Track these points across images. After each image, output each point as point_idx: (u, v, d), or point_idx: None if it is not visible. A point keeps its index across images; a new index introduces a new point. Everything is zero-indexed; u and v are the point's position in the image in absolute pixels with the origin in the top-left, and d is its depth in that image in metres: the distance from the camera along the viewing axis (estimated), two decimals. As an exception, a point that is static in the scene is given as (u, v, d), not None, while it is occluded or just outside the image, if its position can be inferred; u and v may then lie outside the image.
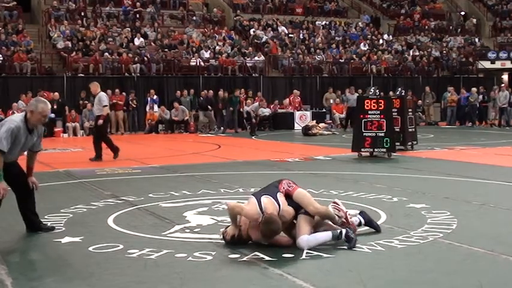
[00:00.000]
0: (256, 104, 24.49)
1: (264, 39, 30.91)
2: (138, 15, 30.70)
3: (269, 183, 6.16)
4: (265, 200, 5.74)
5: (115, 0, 31.13)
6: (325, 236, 5.73)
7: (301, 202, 5.86)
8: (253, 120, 23.22)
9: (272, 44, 30.33)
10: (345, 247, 5.63)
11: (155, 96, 24.58)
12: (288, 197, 5.86)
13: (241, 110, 24.48)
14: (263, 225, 5.55)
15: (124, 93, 24.04)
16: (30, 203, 6.37)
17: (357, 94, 22.85)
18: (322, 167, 12.24)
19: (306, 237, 5.65)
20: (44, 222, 6.58)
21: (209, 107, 24.41)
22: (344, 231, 5.68)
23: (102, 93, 14.10)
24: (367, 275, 4.85)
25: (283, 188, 5.91)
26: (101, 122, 13.63)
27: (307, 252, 5.48)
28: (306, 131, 21.91)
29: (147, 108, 24.35)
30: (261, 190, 6.01)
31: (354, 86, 26.51)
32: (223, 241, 5.86)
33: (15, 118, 6.06)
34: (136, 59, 26.14)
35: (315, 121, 23.16)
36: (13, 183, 6.23)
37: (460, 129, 24.19)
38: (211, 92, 24.83)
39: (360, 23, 35.27)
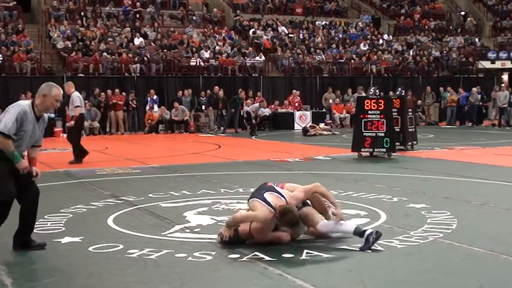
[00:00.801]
0: (257, 104, 24.48)
1: (263, 39, 30.93)
2: (138, 15, 30.69)
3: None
4: (269, 196, 5.77)
5: (115, 0, 31.13)
6: (346, 227, 5.80)
7: (294, 189, 5.94)
8: (253, 121, 23.21)
9: (264, 41, 30.36)
10: (345, 247, 5.63)
11: (155, 96, 24.59)
12: None
13: (241, 110, 24.50)
14: (281, 217, 5.59)
15: (124, 93, 24.05)
16: (32, 215, 5.80)
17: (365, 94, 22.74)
18: (322, 167, 12.24)
19: (325, 222, 5.78)
20: (34, 240, 5.89)
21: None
22: (368, 231, 5.59)
23: (75, 94, 13.74)
24: (367, 275, 4.85)
25: (272, 184, 6.01)
26: (72, 123, 13.48)
27: (307, 252, 5.48)
28: (305, 132, 21.90)
29: (147, 108, 24.36)
30: (255, 192, 5.98)
31: (362, 86, 26.42)
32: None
33: (22, 103, 5.63)
34: (136, 59, 26.14)
35: (317, 125, 23.03)
36: (16, 183, 5.62)
37: (460, 129, 24.18)
38: (216, 88, 24.68)
39: (359, 23, 35.27)
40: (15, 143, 5.47)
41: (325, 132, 22.00)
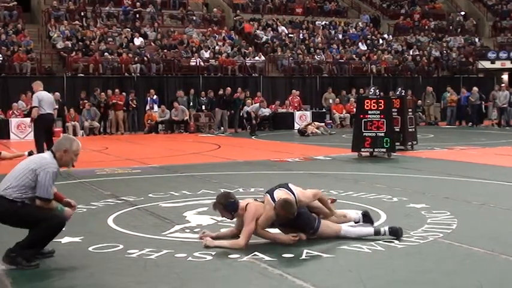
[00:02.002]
0: (257, 104, 24.43)
1: (263, 39, 30.95)
2: (138, 15, 30.70)
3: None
4: (279, 192, 5.94)
5: (115, 0, 31.14)
6: (367, 230, 6.02)
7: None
8: (253, 121, 23.15)
9: (246, 26, 30.34)
10: (345, 247, 5.63)
11: (155, 96, 24.58)
12: None
13: (241, 111, 24.54)
14: (280, 209, 5.71)
15: (124, 93, 24.05)
16: None
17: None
18: (322, 167, 12.23)
19: (346, 229, 5.99)
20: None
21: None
22: (385, 228, 5.93)
23: (38, 93, 13.13)
24: (367, 275, 4.85)
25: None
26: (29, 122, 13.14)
27: (307, 253, 5.48)
28: (302, 133, 21.86)
29: (147, 108, 24.36)
30: (272, 188, 6.14)
31: (375, 86, 26.34)
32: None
33: (49, 160, 5.34)
34: (136, 59, 26.14)
35: (313, 122, 23.09)
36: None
37: (460, 129, 24.18)
38: (228, 89, 24.43)
39: (359, 23, 35.28)
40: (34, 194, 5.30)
41: (318, 131, 21.83)
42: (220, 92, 24.42)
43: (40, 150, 12.73)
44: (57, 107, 14.32)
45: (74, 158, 5.54)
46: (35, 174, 5.22)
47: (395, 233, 5.88)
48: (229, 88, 24.35)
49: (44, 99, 13.03)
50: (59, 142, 5.52)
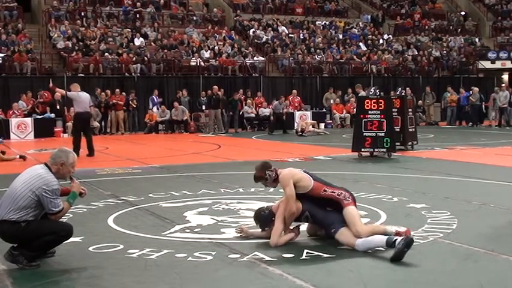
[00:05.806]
0: (276, 102, 24.50)
1: (264, 39, 30.95)
2: (138, 15, 30.71)
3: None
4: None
5: (115, 0, 31.15)
6: (379, 238, 5.50)
7: (348, 220, 5.69)
8: (272, 118, 23.31)
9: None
10: (345, 246, 5.62)
11: (155, 98, 24.59)
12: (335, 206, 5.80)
13: (241, 111, 24.59)
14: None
15: (124, 93, 24.05)
16: None
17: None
18: (322, 167, 12.22)
19: (361, 241, 5.50)
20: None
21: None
22: (399, 239, 5.32)
23: (75, 93, 14.39)
24: (367, 275, 4.85)
25: (339, 196, 5.79)
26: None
27: (307, 252, 5.49)
28: (299, 133, 21.91)
29: (150, 106, 24.37)
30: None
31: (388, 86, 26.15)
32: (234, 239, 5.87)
33: (47, 177, 5.25)
34: (136, 59, 26.14)
35: (312, 121, 23.20)
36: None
37: (460, 129, 24.18)
38: (215, 87, 24.41)
39: (360, 23, 35.29)
40: (38, 210, 5.26)
41: (312, 131, 21.86)
42: (209, 92, 24.48)
43: (76, 148, 13.80)
44: (92, 104, 15.52)
45: (72, 170, 5.49)
46: (35, 195, 5.18)
47: (408, 245, 5.26)
48: (215, 87, 24.27)
49: (81, 98, 14.24)
50: (55, 155, 5.44)
